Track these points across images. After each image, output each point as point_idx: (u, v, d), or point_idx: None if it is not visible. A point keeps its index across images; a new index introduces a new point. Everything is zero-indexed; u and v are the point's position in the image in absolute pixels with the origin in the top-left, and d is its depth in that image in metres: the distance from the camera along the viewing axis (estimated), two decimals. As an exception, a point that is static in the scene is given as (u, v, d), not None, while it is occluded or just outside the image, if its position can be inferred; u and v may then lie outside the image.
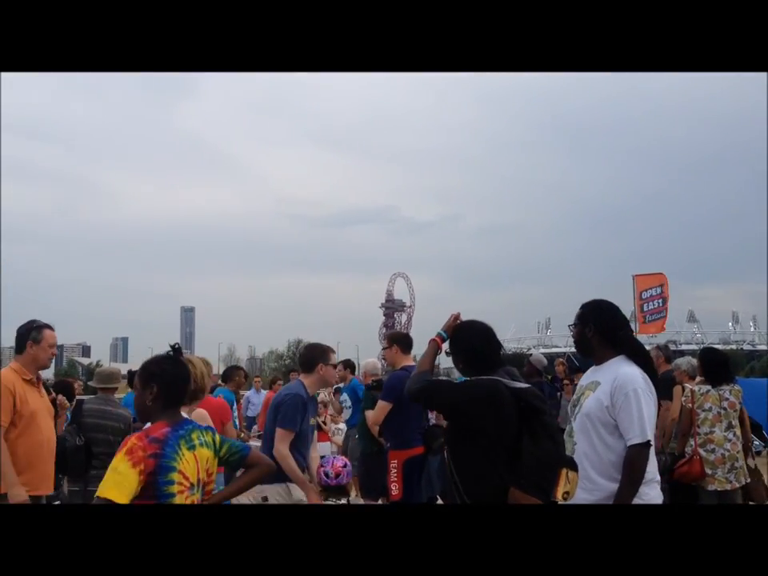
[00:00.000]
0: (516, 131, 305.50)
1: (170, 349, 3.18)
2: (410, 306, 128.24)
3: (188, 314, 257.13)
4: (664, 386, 5.84)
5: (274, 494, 4.60)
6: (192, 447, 2.98)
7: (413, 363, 5.48)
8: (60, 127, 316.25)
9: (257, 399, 12.95)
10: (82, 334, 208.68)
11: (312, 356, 5.03)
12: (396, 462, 5.61)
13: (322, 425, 11.55)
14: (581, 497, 3.21)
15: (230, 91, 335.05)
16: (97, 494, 2.73)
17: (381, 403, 5.66)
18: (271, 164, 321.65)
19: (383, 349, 6.26)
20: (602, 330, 3.55)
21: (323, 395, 11.89)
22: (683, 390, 6.55)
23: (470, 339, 3.39)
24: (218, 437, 3.13)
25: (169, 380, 3.05)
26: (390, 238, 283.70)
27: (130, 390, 8.33)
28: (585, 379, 3.68)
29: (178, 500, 2.90)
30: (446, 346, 3.49)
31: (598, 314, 3.60)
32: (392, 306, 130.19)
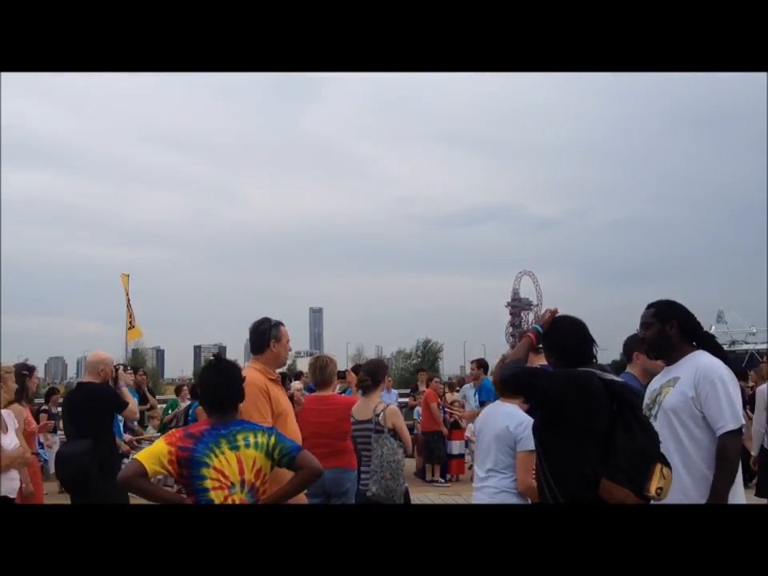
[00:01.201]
0: (640, 120, 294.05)
1: (212, 357, 3.39)
2: (537, 305, 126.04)
3: (316, 315, 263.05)
4: None
5: None
6: (235, 448, 3.08)
7: (544, 362, 5.39)
8: (193, 135, 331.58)
9: (387, 398, 13.08)
10: (218, 335, 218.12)
11: None
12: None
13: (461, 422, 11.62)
14: (673, 497, 3.10)
15: (352, 92, 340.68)
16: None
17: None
18: (394, 164, 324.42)
19: (513, 348, 6.15)
20: (684, 327, 3.53)
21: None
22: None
23: (563, 333, 3.34)
24: (273, 438, 3.16)
25: (206, 386, 3.27)
26: (515, 235, 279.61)
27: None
28: (656, 382, 3.65)
29: (214, 496, 3.02)
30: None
31: (680, 311, 3.57)
32: (518, 305, 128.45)
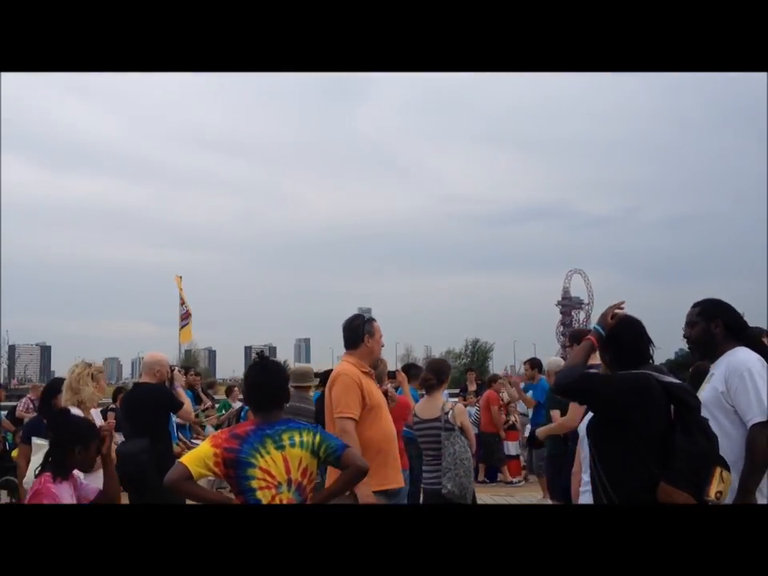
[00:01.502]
0: (690, 117, 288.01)
1: (256, 356, 3.40)
2: (588, 304, 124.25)
3: (365, 315, 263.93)
4: None
5: None
6: (281, 447, 3.09)
7: (598, 361, 5.31)
8: (241, 136, 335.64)
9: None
10: (268, 335, 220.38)
11: None
12: None
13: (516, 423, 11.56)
14: None
15: (398, 93, 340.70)
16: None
17: (575, 404, 5.52)
18: (441, 163, 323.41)
19: (564, 347, 6.05)
20: (730, 326, 3.51)
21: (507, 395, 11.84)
22: None
23: (620, 333, 3.27)
24: (318, 437, 3.17)
25: (251, 385, 3.29)
26: (564, 233, 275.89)
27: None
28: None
29: (261, 496, 3.04)
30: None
31: (725, 310, 3.56)
32: (569, 304, 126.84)
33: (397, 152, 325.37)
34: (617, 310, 3.34)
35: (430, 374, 5.79)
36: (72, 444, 3.50)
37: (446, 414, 5.57)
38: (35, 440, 4.85)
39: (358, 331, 4.66)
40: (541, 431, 6.64)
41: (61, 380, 5.85)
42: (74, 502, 3.45)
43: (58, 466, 3.46)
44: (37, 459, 4.67)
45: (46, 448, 4.64)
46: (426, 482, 5.62)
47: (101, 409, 11.62)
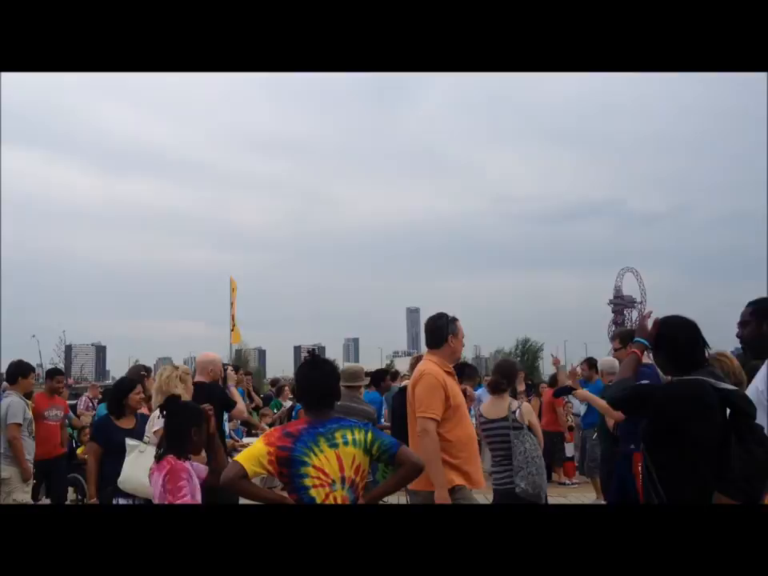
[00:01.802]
0: (744, 114, 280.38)
1: (307, 354, 3.44)
2: (641, 302, 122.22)
3: (414, 315, 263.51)
4: None
5: None
6: (334, 445, 3.10)
7: (650, 361, 5.24)
8: (290, 139, 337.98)
9: (487, 397, 13.00)
10: (317, 335, 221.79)
11: None
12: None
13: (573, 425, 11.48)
14: None
15: (446, 94, 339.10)
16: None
17: None
18: (489, 162, 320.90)
19: (615, 350, 5.92)
20: None
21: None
22: None
23: (675, 335, 3.23)
24: (370, 435, 3.17)
25: (302, 384, 3.31)
26: (616, 231, 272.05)
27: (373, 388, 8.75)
28: None
29: (315, 494, 3.05)
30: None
31: None
32: (621, 302, 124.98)
33: (445, 151, 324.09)
34: (656, 318, 3.32)
35: (500, 377, 5.79)
36: (189, 426, 3.79)
37: (513, 412, 5.57)
38: (128, 441, 4.99)
39: (442, 331, 4.64)
40: (581, 393, 6.58)
41: (130, 380, 6.00)
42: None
43: (178, 447, 3.74)
44: (132, 458, 4.82)
45: (139, 447, 4.79)
46: (496, 483, 5.61)
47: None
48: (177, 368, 5.35)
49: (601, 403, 6.05)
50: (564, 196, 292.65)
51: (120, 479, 4.86)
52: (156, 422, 4.87)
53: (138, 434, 5.37)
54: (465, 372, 8.16)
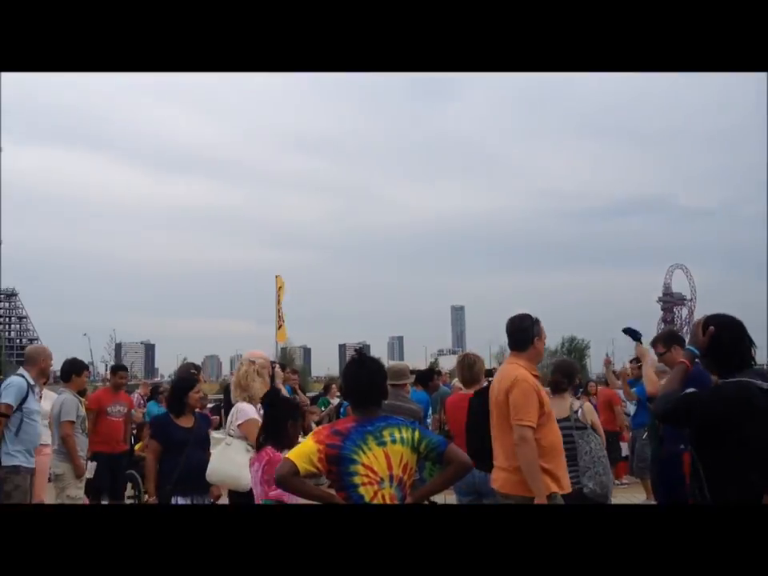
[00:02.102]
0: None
1: (354, 353, 3.45)
2: (691, 300, 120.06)
3: (458, 313, 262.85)
4: None
5: None
6: (382, 444, 3.10)
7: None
8: (335, 138, 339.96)
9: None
10: (362, 333, 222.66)
11: None
12: None
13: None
14: None
15: (489, 91, 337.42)
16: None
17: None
18: (534, 158, 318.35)
19: (659, 354, 5.66)
20: None
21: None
22: None
23: (719, 335, 3.14)
24: (418, 433, 3.17)
25: (350, 382, 3.32)
26: (665, 227, 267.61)
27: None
28: None
29: (364, 492, 3.06)
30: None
31: None
32: (671, 300, 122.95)
33: (490, 149, 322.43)
34: (700, 318, 3.25)
35: (561, 376, 5.73)
36: (286, 419, 3.97)
37: (575, 412, 5.53)
38: (214, 434, 5.10)
39: (528, 332, 4.49)
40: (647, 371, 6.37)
41: (190, 379, 6.08)
42: None
43: (276, 438, 3.89)
44: (218, 451, 4.89)
45: (225, 440, 4.88)
46: None
47: (212, 405, 11.96)
48: (254, 363, 5.35)
49: (653, 381, 5.80)
50: (611, 192, 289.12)
51: (208, 471, 4.93)
52: (239, 416, 4.96)
53: (197, 432, 5.48)
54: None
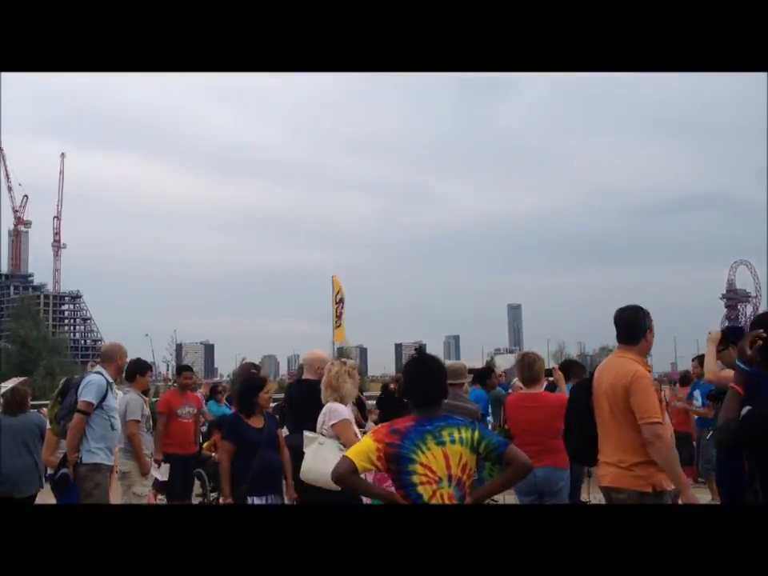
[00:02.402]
0: None
1: (414, 352, 3.45)
2: (756, 296, 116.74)
3: (515, 311, 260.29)
4: None
5: None
6: (441, 443, 3.10)
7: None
8: (388, 138, 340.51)
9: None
10: (417, 333, 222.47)
11: None
12: None
13: None
14: None
15: (540, 88, 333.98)
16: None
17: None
18: (590, 155, 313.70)
19: (718, 351, 5.47)
20: None
21: None
22: None
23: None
24: (477, 434, 3.15)
25: (410, 381, 3.32)
26: (727, 222, 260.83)
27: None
28: None
29: (422, 491, 3.06)
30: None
31: None
32: (734, 297, 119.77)
33: (544, 146, 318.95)
34: (758, 340, 3.16)
35: None
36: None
37: None
38: (307, 433, 5.15)
39: (640, 325, 4.39)
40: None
41: (261, 379, 6.17)
42: None
43: None
44: (312, 450, 4.99)
45: (318, 439, 4.99)
46: None
47: (275, 404, 12.12)
48: (344, 363, 5.42)
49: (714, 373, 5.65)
50: (670, 187, 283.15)
51: (302, 470, 5.01)
52: (332, 416, 5.03)
53: (268, 432, 5.53)
54: (572, 370, 7.99)
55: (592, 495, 8.40)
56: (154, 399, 10.48)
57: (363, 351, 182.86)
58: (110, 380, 6.25)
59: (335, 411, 5.05)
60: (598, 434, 4.41)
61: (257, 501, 5.28)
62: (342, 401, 5.17)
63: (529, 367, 5.79)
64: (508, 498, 6.15)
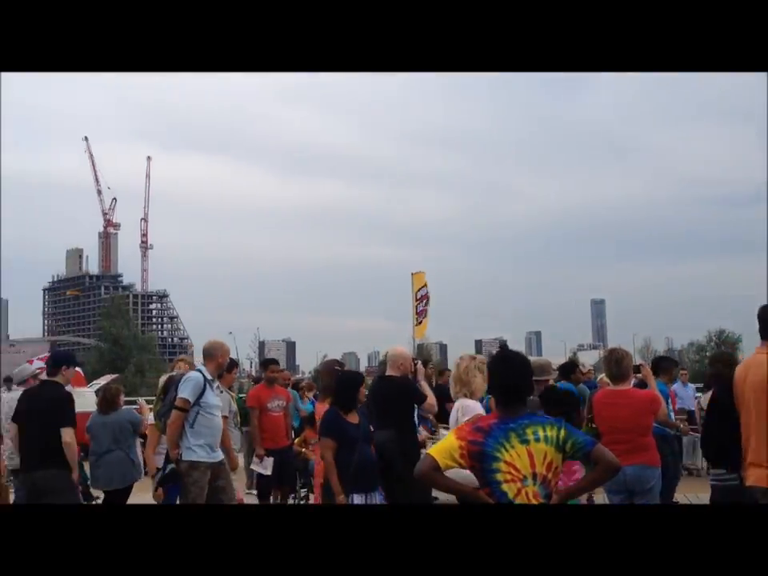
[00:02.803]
0: None
1: (499, 349, 3.36)
2: None
3: (598, 307, 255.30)
4: None
5: None
6: (525, 441, 3.05)
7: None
8: (465, 134, 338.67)
9: (683, 393, 12.41)
10: (498, 329, 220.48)
11: None
12: None
13: None
14: None
15: (619, 80, 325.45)
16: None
17: None
18: (672, 145, 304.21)
19: None
20: None
21: None
22: None
23: None
24: (563, 432, 3.09)
25: (494, 377, 3.30)
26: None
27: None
28: None
29: (507, 489, 3.03)
30: None
31: None
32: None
33: (626, 138, 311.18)
34: None
35: (723, 367, 5.48)
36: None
37: None
38: (443, 429, 5.20)
39: None
40: None
41: (359, 374, 6.23)
42: None
43: None
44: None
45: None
46: (718, 479, 5.32)
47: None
48: (474, 358, 5.41)
49: None
50: (752, 178, 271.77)
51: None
52: (465, 411, 5.03)
53: (363, 428, 5.51)
54: (661, 365, 7.77)
55: (684, 495, 8.16)
56: (240, 396, 10.67)
57: (443, 347, 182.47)
58: (209, 377, 6.20)
59: (468, 407, 5.05)
60: (743, 434, 4.25)
61: (357, 498, 5.26)
62: (472, 396, 5.15)
63: (617, 363, 5.64)
64: (597, 496, 6.02)
